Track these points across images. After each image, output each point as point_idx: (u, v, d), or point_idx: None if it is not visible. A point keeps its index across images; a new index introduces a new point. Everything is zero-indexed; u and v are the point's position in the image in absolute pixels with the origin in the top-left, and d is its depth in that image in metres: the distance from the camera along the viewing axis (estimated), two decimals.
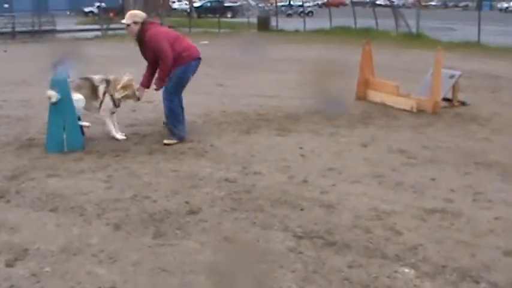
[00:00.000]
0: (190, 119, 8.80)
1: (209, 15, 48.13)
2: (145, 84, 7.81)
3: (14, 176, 6.36)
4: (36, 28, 32.50)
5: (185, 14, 48.51)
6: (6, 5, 48.20)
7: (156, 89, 7.64)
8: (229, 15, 48.84)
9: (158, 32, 7.47)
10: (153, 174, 6.32)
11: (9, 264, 4.33)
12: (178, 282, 4.05)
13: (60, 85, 7.08)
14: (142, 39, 7.43)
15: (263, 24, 33.74)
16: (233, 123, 8.78)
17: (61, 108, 7.03)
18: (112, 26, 33.07)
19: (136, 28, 7.40)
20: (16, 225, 5.04)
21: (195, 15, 46.69)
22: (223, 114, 9.48)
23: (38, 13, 34.48)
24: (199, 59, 7.71)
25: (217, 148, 7.37)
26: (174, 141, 7.51)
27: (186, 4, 56.27)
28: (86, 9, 57.26)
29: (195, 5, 52.20)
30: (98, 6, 47.56)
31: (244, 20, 38.62)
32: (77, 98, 7.28)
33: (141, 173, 6.38)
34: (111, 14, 37.25)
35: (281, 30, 32.83)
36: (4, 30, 32.38)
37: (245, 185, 5.98)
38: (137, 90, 7.74)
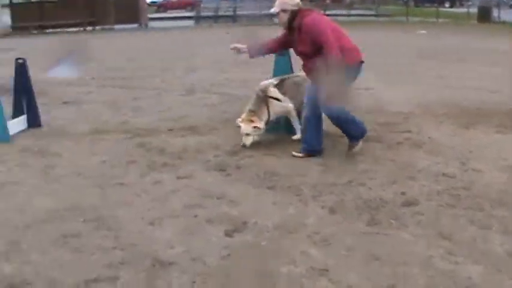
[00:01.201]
0: (408, 109, 8.66)
1: (426, 4, 46.91)
2: (253, 53, 6.69)
3: (234, 151, 6.67)
4: (256, 12, 33.74)
5: (401, 2, 47.70)
6: None
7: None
8: (447, 5, 47.27)
9: (318, 17, 6.32)
10: (369, 162, 6.27)
11: (228, 234, 4.54)
12: (391, 272, 3.97)
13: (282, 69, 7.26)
14: (294, 29, 6.28)
15: (484, 16, 32.31)
16: (452, 116, 8.45)
17: None
18: (328, 12, 33.46)
19: (285, 17, 6.27)
20: (236, 199, 5.27)
21: (412, 3, 45.77)
22: (442, 106, 9.16)
23: None
24: (362, 62, 6.39)
25: (435, 140, 7.14)
26: (358, 144, 6.52)
27: None
28: None
29: None
30: None
31: (464, 10, 37.16)
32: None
33: (357, 159, 6.36)
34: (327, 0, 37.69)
35: (503, 22, 31.14)
36: (227, 13, 34.08)
37: (464, 181, 5.73)
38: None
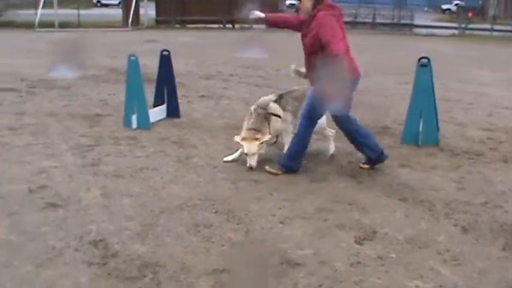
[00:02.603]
0: None
1: None
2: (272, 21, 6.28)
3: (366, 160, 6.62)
4: (395, 21, 33.27)
5: None
6: None
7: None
8: None
9: (335, 17, 5.91)
10: (508, 184, 6.00)
11: (358, 242, 4.53)
12: None
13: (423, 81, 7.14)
14: (311, 20, 5.97)
15: None
16: None
17: (421, 102, 7.08)
18: (470, 26, 32.44)
19: (308, 3, 5.97)
20: (367, 207, 5.24)
21: None
22: None
23: (399, 7, 35.07)
24: (358, 77, 6.14)
25: None
26: (277, 171, 6.15)
27: None
28: (444, 7, 56.99)
29: None
30: (456, 5, 46.95)
31: None
32: None
33: (495, 180, 6.12)
34: (470, 14, 36.52)
35: None
36: (365, 20, 33.82)
37: None
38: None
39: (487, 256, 4.39)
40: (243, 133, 6.48)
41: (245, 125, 6.59)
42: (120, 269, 4.04)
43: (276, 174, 6.13)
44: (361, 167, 6.39)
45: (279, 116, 6.63)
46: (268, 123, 6.59)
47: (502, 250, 4.50)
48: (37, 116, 8.82)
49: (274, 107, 6.63)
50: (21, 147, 7.07)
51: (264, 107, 6.60)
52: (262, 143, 6.34)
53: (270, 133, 6.55)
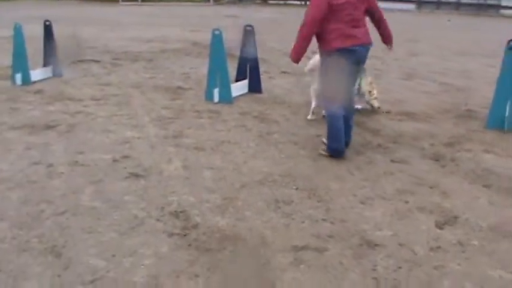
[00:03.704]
0: None
1: None
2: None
3: (450, 143, 6.49)
4: (481, 2, 32.30)
5: None
6: None
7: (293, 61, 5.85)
8: None
9: None
10: None
11: (438, 226, 4.44)
12: None
13: None
14: None
15: None
16: None
17: (508, 86, 6.86)
18: None
19: None
20: (449, 191, 5.13)
21: None
22: None
23: None
24: (350, 50, 5.65)
25: None
26: (325, 153, 5.97)
27: None
28: None
29: None
30: None
31: None
32: None
33: None
34: None
35: None
36: (450, 0, 32.95)
37: None
38: None
39: None
40: None
41: None
42: (200, 241, 4.10)
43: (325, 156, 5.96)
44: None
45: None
46: None
47: None
48: (121, 87, 9.02)
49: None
50: (105, 117, 7.27)
51: None
52: None
53: None
